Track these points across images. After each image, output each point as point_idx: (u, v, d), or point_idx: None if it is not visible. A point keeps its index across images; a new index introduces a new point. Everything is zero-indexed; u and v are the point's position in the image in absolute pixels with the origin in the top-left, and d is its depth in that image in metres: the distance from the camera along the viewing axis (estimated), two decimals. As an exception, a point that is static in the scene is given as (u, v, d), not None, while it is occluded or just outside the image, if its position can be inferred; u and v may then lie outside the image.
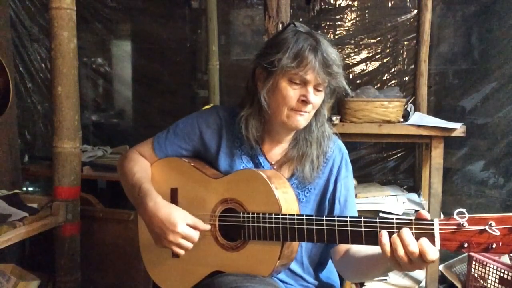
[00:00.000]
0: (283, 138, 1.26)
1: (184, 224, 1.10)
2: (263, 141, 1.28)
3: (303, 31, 1.15)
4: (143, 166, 1.30)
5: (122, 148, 2.90)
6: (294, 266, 1.24)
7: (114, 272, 2.24)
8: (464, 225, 0.91)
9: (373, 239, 1.00)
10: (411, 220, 0.96)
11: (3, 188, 2.23)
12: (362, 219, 1.01)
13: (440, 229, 0.93)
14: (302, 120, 1.17)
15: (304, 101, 1.13)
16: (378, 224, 0.99)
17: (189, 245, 1.11)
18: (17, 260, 2.28)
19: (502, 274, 1.97)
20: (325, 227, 1.04)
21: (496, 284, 2.00)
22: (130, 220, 2.18)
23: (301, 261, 1.27)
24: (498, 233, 0.89)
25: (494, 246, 0.90)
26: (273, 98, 1.17)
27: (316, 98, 1.15)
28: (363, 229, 1.01)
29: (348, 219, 1.02)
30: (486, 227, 0.90)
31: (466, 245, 0.92)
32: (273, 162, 1.27)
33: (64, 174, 1.95)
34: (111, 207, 2.46)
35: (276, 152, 1.28)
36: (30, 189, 3.16)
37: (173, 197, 1.26)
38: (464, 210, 0.92)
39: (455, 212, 0.92)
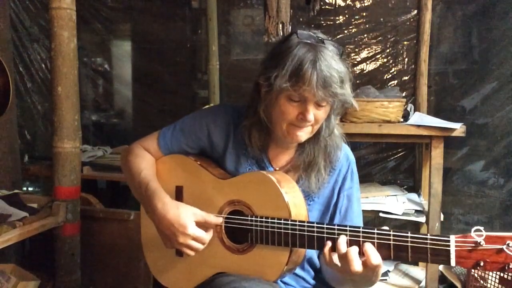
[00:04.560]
0: (288, 145, 1.23)
1: (194, 225, 1.09)
2: (268, 147, 1.24)
3: (306, 42, 1.06)
4: (149, 163, 1.27)
5: (122, 148, 2.90)
6: None
7: (114, 272, 2.24)
8: (481, 243, 0.89)
9: (386, 251, 0.98)
10: (426, 235, 0.95)
11: (3, 188, 2.23)
12: (376, 231, 0.99)
13: (456, 246, 0.91)
14: (302, 134, 1.12)
15: (303, 119, 1.08)
16: (391, 237, 0.98)
17: (200, 246, 1.10)
18: (17, 260, 2.27)
19: (502, 274, 1.97)
20: (336, 236, 1.02)
21: (496, 284, 2.00)
22: (130, 220, 2.18)
23: (302, 264, 1.26)
24: None
25: (511, 266, 0.88)
26: (273, 112, 1.13)
27: (318, 113, 1.09)
28: (376, 240, 0.99)
29: (361, 229, 1.00)
30: (504, 246, 0.88)
31: (482, 263, 0.90)
32: (277, 168, 1.24)
33: (64, 174, 1.96)
34: (111, 207, 2.46)
35: (282, 158, 1.25)
36: (30, 189, 3.16)
37: (178, 196, 1.24)
38: (482, 228, 0.90)
39: (472, 230, 0.90)
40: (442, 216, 2.23)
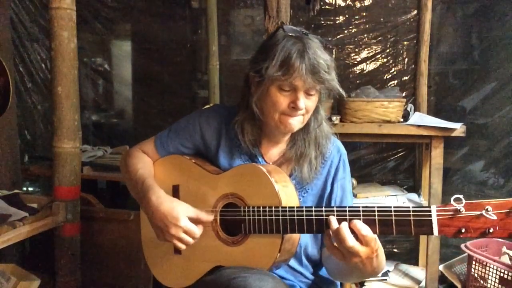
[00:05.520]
0: (280, 139, 1.27)
1: (186, 218, 1.12)
2: (260, 142, 1.28)
3: (292, 35, 1.12)
4: (146, 163, 1.32)
5: (122, 148, 2.90)
6: (293, 262, 1.25)
7: (114, 272, 2.24)
8: (461, 210, 0.93)
9: (372, 227, 1.01)
10: (408, 207, 0.98)
11: (3, 188, 2.23)
12: (361, 208, 1.02)
13: (438, 215, 0.95)
14: (294, 123, 1.17)
15: (294, 107, 1.13)
16: (376, 213, 1.00)
17: (190, 240, 1.12)
18: (17, 260, 2.28)
19: (502, 274, 1.97)
20: (324, 217, 1.04)
21: (496, 284, 2.00)
22: (130, 220, 2.18)
23: (300, 259, 1.27)
24: (495, 217, 0.91)
25: (491, 230, 0.91)
26: (264, 104, 1.17)
27: (308, 102, 1.15)
28: (361, 217, 1.01)
29: (347, 208, 1.03)
30: (483, 211, 0.92)
31: (463, 230, 0.93)
32: (270, 163, 1.27)
33: (64, 174, 1.96)
34: (111, 207, 2.46)
35: (274, 152, 1.29)
36: (30, 189, 3.16)
37: (175, 194, 1.27)
38: (461, 196, 0.94)
39: (452, 198, 0.94)
40: (442, 216, 2.23)
